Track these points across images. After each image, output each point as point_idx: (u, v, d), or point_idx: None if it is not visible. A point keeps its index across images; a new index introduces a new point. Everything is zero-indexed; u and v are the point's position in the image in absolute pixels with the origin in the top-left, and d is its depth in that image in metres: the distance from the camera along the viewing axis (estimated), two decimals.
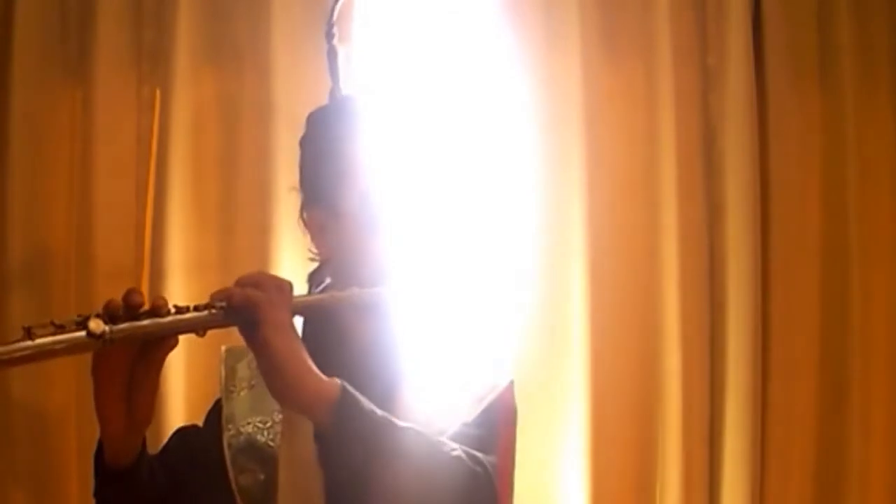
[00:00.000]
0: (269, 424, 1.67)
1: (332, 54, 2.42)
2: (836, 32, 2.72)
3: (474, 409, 1.61)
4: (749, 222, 2.65)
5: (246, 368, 1.74)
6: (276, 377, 1.45)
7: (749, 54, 2.68)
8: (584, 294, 2.60)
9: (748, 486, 2.60)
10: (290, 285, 1.50)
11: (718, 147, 2.69)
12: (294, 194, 1.76)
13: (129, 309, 1.38)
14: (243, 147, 2.63)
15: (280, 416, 1.62)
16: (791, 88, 2.72)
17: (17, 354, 1.28)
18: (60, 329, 1.32)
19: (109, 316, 1.36)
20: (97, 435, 1.50)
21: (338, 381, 1.46)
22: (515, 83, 2.63)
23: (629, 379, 2.65)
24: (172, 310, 1.41)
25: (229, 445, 1.67)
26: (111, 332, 1.35)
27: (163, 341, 1.44)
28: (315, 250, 1.74)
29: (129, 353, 1.44)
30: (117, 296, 1.40)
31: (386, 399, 1.51)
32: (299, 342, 1.47)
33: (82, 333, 1.33)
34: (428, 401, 1.60)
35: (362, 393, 1.47)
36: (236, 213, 2.63)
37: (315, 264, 1.76)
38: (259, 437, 1.67)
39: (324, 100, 2.28)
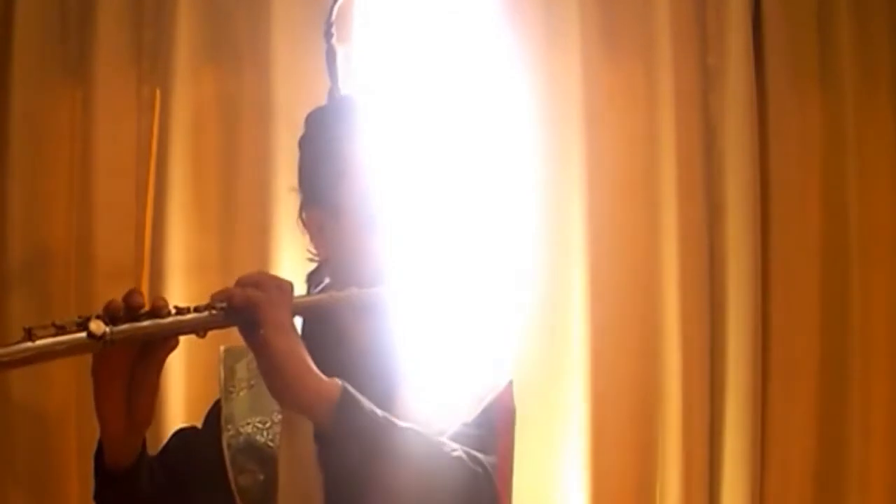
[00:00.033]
0: (268, 424, 1.67)
1: (330, 54, 2.42)
2: (836, 32, 2.72)
3: (474, 409, 1.61)
4: (749, 222, 2.65)
5: (245, 369, 1.74)
6: (276, 377, 1.45)
7: (749, 54, 2.68)
8: (584, 294, 2.59)
9: (748, 486, 2.60)
10: (290, 285, 1.50)
11: (718, 147, 2.69)
12: (294, 194, 1.76)
13: (129, 310, 1.38)
14: (243, 147, 2.63)
15: (279, 417, 1.62)
16: (791, 88, 2.72)
17: (19, 356, 1.29)
18: (61, 330, 1.32)
19: (110, 317, 1.36)
20: (97, 435, 1.50)
21: (338, 381, 1.46)
22: (515, 82, 2.63)
23: (629, 379, 2.65)
24: (173, 310, 1.42)
25: (229, 446, 1.66)
26: (112, 333, 1.35)
27: (163, 342, 1.44)
28: (314, 250, 1.74)
29: (130, 353, 1.44)
30: (117, 296, 1.40)
31: (385, 399, 1.51)
32: (300, 342, 1.48)
33: (83, 334, 1.33)
34: (427, 401, 1.60)
35: (362, 393, 1.47)
36: (236, 213, 2.63)
37: (314, 264, 1.76)
38: (258, 437, 1.67)
39: (324, 100, 2.27)
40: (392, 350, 1.64)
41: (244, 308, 1.44)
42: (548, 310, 2.61)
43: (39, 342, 1.30)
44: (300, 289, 1.60)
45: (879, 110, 2.76)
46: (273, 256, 2.55)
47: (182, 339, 1.46)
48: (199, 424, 1.79)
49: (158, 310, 1.40)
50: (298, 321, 1.53)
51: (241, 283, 1.48)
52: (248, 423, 1.68)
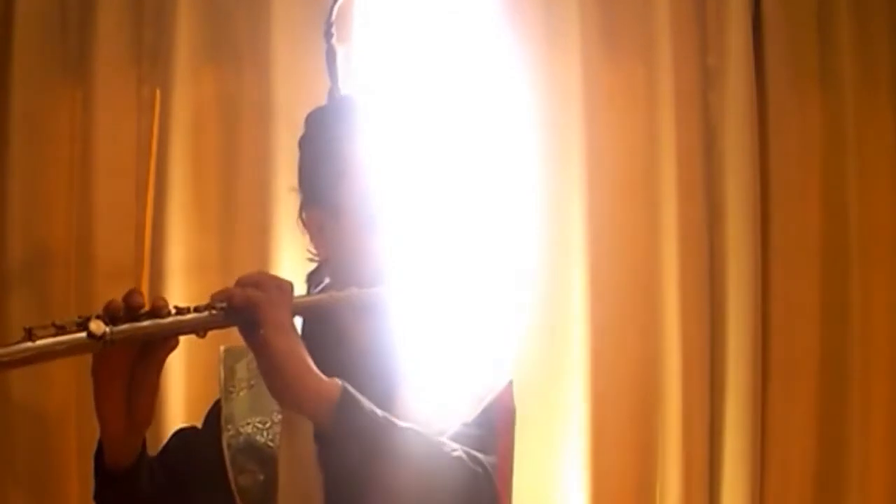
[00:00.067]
0: (268, 425, 1.67)
1: (330, 54, 2.42)
2: (836, 32, 2.72)
3: (474, 409, 1.61)
4: (749, 222, 2.65)
5: (245, 369, 1.74)
6: (276, 377, 1.45)
7: (749, 54, 2.68)
8: (584, 294, 2.59)
9: (748, 486, 2.60)
10: (290, 285, 1.50)
11: (718, 147, 2.69)
12: (294, 194, 1.76)
13: (129, 310, 1.39)
14: (243, 147, 2.63)
15: (279, 417, 1.62)
16: (791, 88, 2.72)
17: (19, 356, 1.29)
18: (61, 330, 1.32)
19: (110, 317, 1.36)
20: (97, 435, 1.50)
21: (338, 381, 1.46)
22: (515, 82, 2.63)
23: (629, 379, 2.65)
24: (173, 310, 1.42)
25: (228, 446, 1.66)
26: (112, 333, 1.35)
27: (163, 342, 1.44)
28: (314, 250, 1.74)
29: (130, 353, 1.44)
30: (117, 296, 1.40)
31: (385, 399, 1.51)
32: (300, 342, 1.48)
33: (83, 334, 1.33)
34: (427, 401, 1.60)
35: (362, 393, 1.47)
36: (236, 213, 2.63)
37: (314, 264, 1.76)
38: (258, 437, 1.67)
39: (324, 100, 2.27)
40: (392, 350, 1.64)
41: (244, 308, 1.44)
42: (548, 310, 2.61)
43: (39, 342, 1.30)
44: (300, 289, 1.60)
45: (879, 110, 2.76)
46: (273, 256, 2.55)
47: (182, 339, 1.46)
48: (199, 425, 1.79)
49: (158, 310, 1.40)
50: (298, 321, 1.53)
51: (241, 283, 1.48)
52: (248, 423, 1.68)
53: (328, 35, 2.34)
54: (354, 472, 1.44)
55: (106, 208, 2.61)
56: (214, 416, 1.72)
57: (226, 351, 1.77)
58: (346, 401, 1.44)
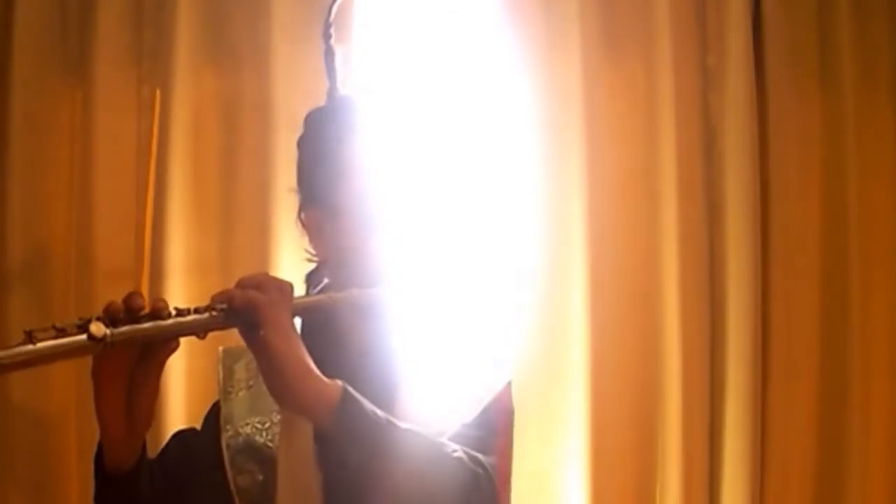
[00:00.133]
0: (267, 425, 1.67)
1: (329, 54, 2.42)
2: (836, 32, 2.72)
3: (474, 409, 1.61)
4: (749, 222, 2.64)
5: (244, 369, 1.74)
6: (276, 378, 1.45)
7: (749, 54, 2.68)
8: (584, 294, 2.59)
9: (748, 486, 2.60)
10: (290, 287, 1.51)
11: (718, 147, 2.69)
12: (293, 194, 1.76)
13: (129, 312, 1.39)
14: (243, 147, 2.63)
15: (278, 417, 1.62)
16: (791, 88, 2.72)
17: (19, 358, 1.29)
18: (61, 332, 1.33)
19: (110, 319, 1.37)
20: (97, 438, 1.50)
21: (339, 382, 1.46)
22: (515, 82, 2.63)
23: (629, 379, 2.65)
24: (173, 312, 1.42)
25: (228, 446, 1.67)
26: (112, 335, 1.36)
27: (164, 344, 1.44)
28: (312, 251, 1.74)
29: (130, 355, 1.44)
30: (117, 296, 1.41)
31: (385, 400, 1.52)
32: (300, 343, 1.48)
33: (83, 337, 1.34)
34: (427, 401, 1.60)
35: (362, 394, 1.47)
36: (236, 213, 2.63)
37: (313, 265, 1.76)
38: (258, 437, 1.67)
39: (324, 100, 2.27)
40: (391, 350, 1.64)
41: (244, 309, 1.45)
42: (548, 310, 2.61)
43: (40, 345, 1.30)
44: (299, 289, 1.60)
45: (879, 110, 2.76)
46: (273, 256, 2.55)
47: (182, 341, 1.46)
48: (198, 426, 1.79)
49: (159, 311, 1.41)
50: (297, 322, 1.53)
51: (241, 284, 1.48)
52: (247, 424, 1.68)
53: (327, 35, 2.34)
54: (355, 473, 1.44)
55: (106, 208, 2.61)
56: (213, 417, 1.73)
57: (224, 351, 1.77)
58: (346, 402, 1.45)
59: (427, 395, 1.61)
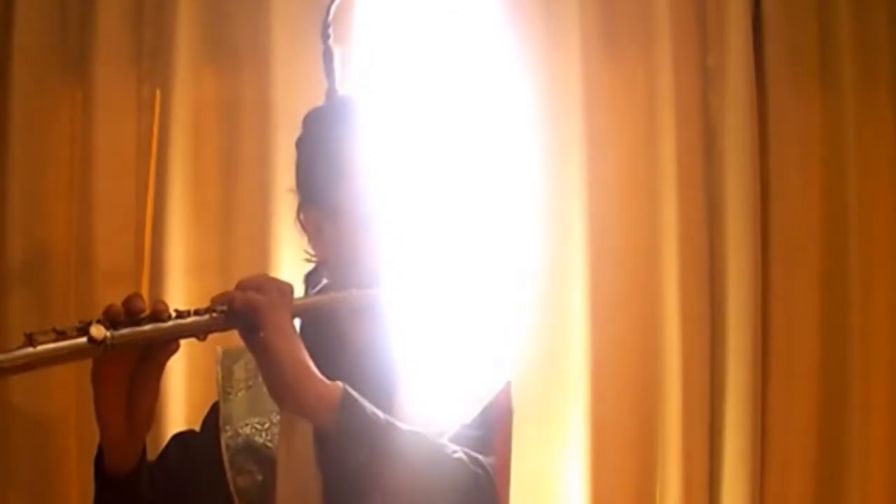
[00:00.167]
0: (266, 425, 1.67)
1: (327, 55, 2.41)
2: (836, 32, 2.72)
3: (473, 409, 1.61)
4: (749, 222, 2.64)
5: (243, 369, 1.74)
6: (277, 380, 1.46)
7: (749, 54, 2.68)
8: (584, 294, 2.59)
9: (748, 485, 2.60)
10: (290, 288, 1.51)
11: (718, 147, 2.69)
12: (293, 195, 1.76)
13: (130, 314, 1.39)
14: (243, 147, 2.63)
15: (278, 417, 1.63)
16: (791, 88, 2.72)
17: (20, 361, 1.29)
18: (62, 335, 1.33)
19: (111, 321, 1.37)
20: (97, 440, 1.50)
21: (339, 383, 1.46)
22: (515, 82, 2.62)
23: (629, 379, 2.65)
24: (173, 314, 1.42)
25: (227, 446, 1.67)
26: (113, 337, 1.36)
27: (164, 346, 1.45)
28: (311, 251, 1.74)
29: (130, 358, 1.44)
30: (117, 296, 1.41)
31: (385, 400, 1.52)
32: (300, 345, 1.48)
33: (84, 339, 1.34)
34: (427, 402, 1.60)
35: (361, 394, 1.47)
36: (236, 214, 2.62)
37: (312, 265, 1.76)
38: (257, 438, 1.67)
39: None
40: (391, 351, 1.64)
41: (245, 311, 1.45)
42: (548, 310, 2.61)
43: (40, 347, 1.30)
44: (299, 290, 1.60)
45: (879, 110, 2.76)
46: (273, 257, 2.55)
47: (182, 342, 1.46)
48: (197, 428, 1.79)
49: (159, 313, 1.41)
50: (297, 323, 1.53)
51: (241, 286, 1.48)
52: (246, 424, 1.69)
53: (325, 35, 2.34)
54: (354, 474, 1.44)
55: (106, 208, 2.60)
56: (212, 418, 1.73)
57: (223, 352, 1.77)
58: (347, 403, 1.45)
59: (426, 396, 1.61)
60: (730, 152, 2.67)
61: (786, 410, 2.67)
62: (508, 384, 1.69)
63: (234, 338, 1.50)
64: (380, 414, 1.46)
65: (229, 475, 1.65)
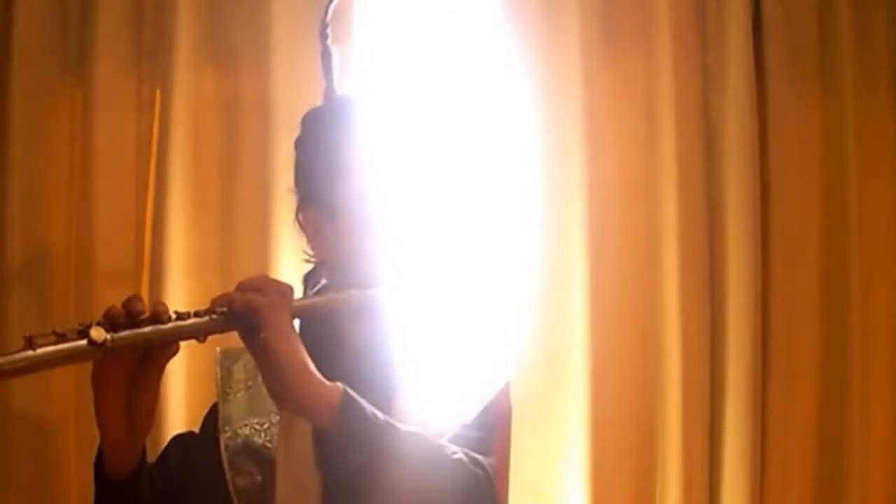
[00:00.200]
0: (266, 426, 1.67)
1: (326, 55, 2.41)
2: (836, 32, 2.72)
3: (473, 410, 1.61)
4: (749, 222, 2.64)
5: (242, 370, 1.74)
6: (277, 381, 1.46)
7: (749, 54, 2.68)
8: (584, 294, 2.59)
9: (748, 485, 2.60)
10: (290, 289, 1.51)
11: (718, 147, 2.69)
12: (293, 195, 1.76)
13: (130, 316, 1.39)
14: (243, 147, 2.63)
15: (277, 418, 1.63)
16: (791, 88, 2.72)
17: (20, 364, 1.29)
18: (62, 338, 1.33)
19: (110, 323, 1.37)
20: (97, 442, 1.50)
21: (339, 384, 1.46)
22: (515, 82, 2.62)
23: (629, 379, 2.65)
24: (173, 316, 1.42)
25: (226, 447, 1.67)
26: (112, 339, 1.36)
27: (164, 348, 1.45)
28: (310, 251, 1.74)
29: (130, 360, 1.44)
30: (117, 296, 1.41)
31: (384, 401, 1.52)
32: (300, 346, 1.48)
33: (84, 342, 1.34)
34: (426, 402, 1.60)
35: (361, 395, 1.47)
36: (236, 214, 2.62)
37: (310, 265, 1.76)
38: (256, 438, 1.67)
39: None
40: (390, 351, 1.64)
41: (245, 312, 1.45)
42: (548, 310, 2.61)
43: (40, 350, 1.30)
44: (298, 290, 1.60)
45: (879, 110, 2.76)
46: (273, 257, 2.55)
47: (182, 344, 1.46)
48: (197, 430, 1.79)
49: (159, 315, 1.41)
50: (296, 323, 1.53)
51: (241, 287, 1.48)
52: (245, 425, 1.69)
53: (323, 36, 2.33)
54: (354, 475, 1.44)
55: (106, 208, 2.61)
56: (211, 418, 1.73)
57: (222, 352, 1.77)
58: (347, 404, 1.45)
59: (426, 396, 1.61)
60: (730, 152, 2.67)
61: (786, 410, 2.67)
62: (507, 385, 1.69)
63: (233, 338, 1.50)
64: (379, 415, 1.46)
65: (228, 476, 1.65)
